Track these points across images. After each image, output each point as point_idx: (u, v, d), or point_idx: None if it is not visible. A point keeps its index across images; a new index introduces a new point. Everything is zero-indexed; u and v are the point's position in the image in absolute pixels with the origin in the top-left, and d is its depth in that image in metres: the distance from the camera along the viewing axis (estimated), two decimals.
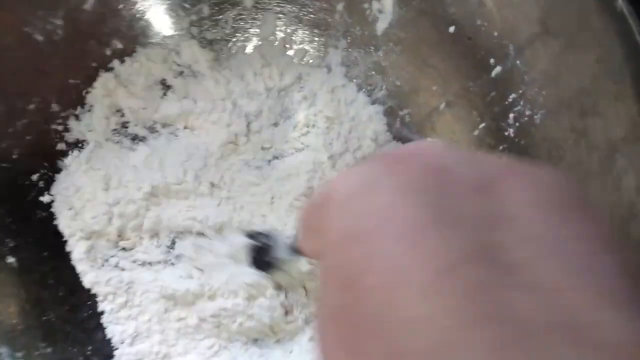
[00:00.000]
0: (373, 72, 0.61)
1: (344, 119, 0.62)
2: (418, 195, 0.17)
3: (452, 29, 0.54)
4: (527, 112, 0.50)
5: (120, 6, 0.58)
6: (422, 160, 0.19)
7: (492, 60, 0.52)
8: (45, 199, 0.57)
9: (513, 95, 0.51)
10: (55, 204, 0.57)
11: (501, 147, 0.53)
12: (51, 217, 0.57)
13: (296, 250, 0.42)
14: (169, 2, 0.61)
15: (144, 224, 0.58)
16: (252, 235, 0.54)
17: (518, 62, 0.50)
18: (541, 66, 0.48)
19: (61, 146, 0.59)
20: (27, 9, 0.54)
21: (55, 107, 0.58)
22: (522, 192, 0.17)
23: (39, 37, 0.55)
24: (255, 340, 0.55)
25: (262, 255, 0.52)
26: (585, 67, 0.45)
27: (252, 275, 0.53)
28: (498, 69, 0.52)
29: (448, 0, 0.53)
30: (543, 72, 0.48)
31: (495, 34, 0.51)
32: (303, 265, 0.53)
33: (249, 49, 0.63)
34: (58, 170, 0.58)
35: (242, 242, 0.54)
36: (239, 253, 0.54)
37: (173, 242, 0.58)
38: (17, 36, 0.54)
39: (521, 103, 0.51)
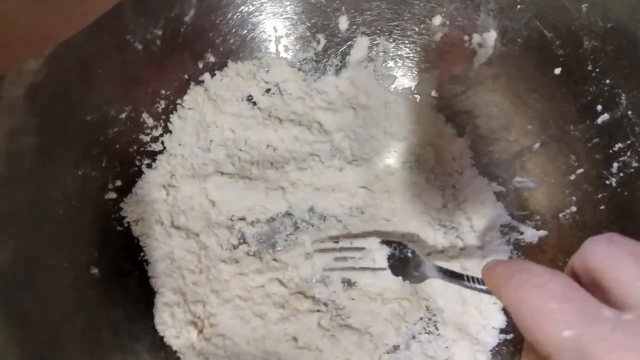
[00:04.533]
0: (464, 105, 0.61)
1: (429, 148, 0.61)
2: None
3: (557, 70, 0.53)
4: (635, 164, 0.49)
5: (219, 19, 0.57)
6: None
7: (599, 107, 0.51)
8: (129, 210, 0.56)
9: (619, 145, 0.50)
10: (141, 215, 0.56)
11: (600, 195, 0.52)
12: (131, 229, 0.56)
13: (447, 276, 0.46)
14: (264, 18, 0.60)
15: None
16: (389, 243, 0.53)
17: (630, 112, 0.49)
18: None
19: (146, 156, 0.58)
20: (131, 17, 0.53)
21: (145, 116, 0.57)
22: None
23: (139, 46, 0.54)
24: None
25: (403, 265, 0.51)
26: None
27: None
28: (605, 116, 0.51)
29: (558, 42, 0.52)
30: None
31: (608, 81, 0.50)
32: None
33: (339, 71, 0.62)
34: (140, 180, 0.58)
35: (381, 249, 0.53)
36: (380, 259, 0.53)
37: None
38: (118, 43, 0.53)
39: (628, 154, 0.50)
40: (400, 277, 0.52)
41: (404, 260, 0.52)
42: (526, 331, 0.26)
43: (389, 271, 0.52)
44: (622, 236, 0.27)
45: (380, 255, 0.53)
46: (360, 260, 0.54)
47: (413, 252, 0.52)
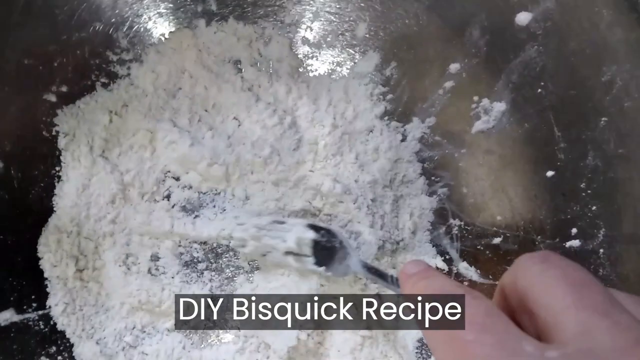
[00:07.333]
0: (446, 166, 0.55)
1: (391, 193, 0.56)
2: None
3: (550, 173, 0.47)
4: None
5: None
6: None
7: (574, 230, 0.45)
8: (64, 120, 0.52)
9: None
10: (74, 130, 0.53)
11: None
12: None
13: (371, 272, 0.44)
14: None
15: None
16: (317, 228, 0.49)
17: (602, 250, 0.43)
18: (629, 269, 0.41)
19: (106, 75, 0.54)
20: None
21: (120, 35, 0.53)
22: None
23: None
24: None
25: (328, 255, 0.48)
26: None
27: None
28: (577, 242, 0.45)
29: (562, 145, 0.46)
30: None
31: (594, 208, 0.44)
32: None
33: (336, 76, 0.57)
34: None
35: (307, 235, 0.48)
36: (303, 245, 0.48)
37: None
38: None
39: None
40: (323, 268, 0.48)
41: (330, 250, 0.48)
42: None
43: (312, 259, 0.48)
44: (559, 256, 0.24)
45: (305, 240, 0.48)
46: (283, 243, 0.49)
47: (341, 243, 0.48)
